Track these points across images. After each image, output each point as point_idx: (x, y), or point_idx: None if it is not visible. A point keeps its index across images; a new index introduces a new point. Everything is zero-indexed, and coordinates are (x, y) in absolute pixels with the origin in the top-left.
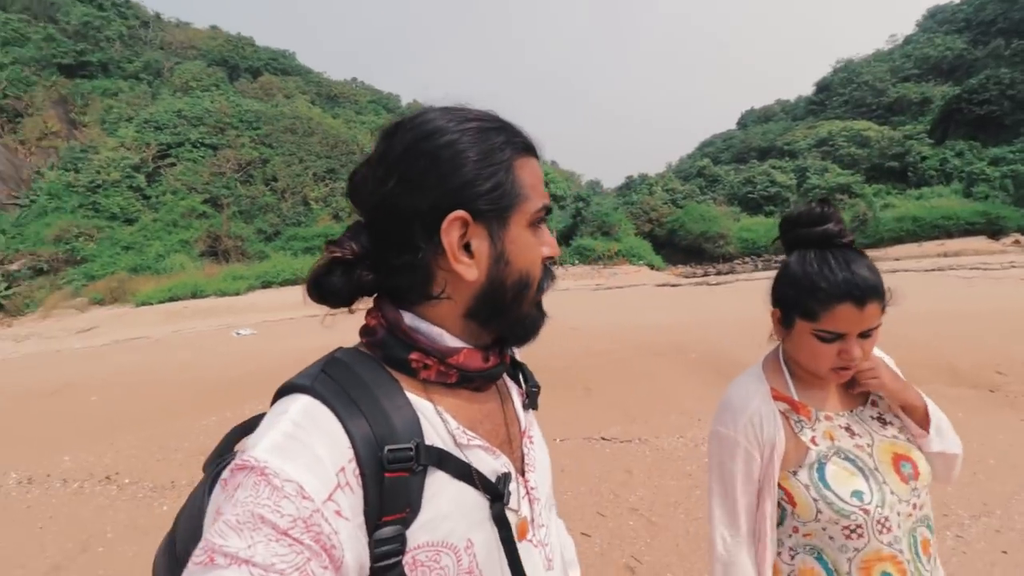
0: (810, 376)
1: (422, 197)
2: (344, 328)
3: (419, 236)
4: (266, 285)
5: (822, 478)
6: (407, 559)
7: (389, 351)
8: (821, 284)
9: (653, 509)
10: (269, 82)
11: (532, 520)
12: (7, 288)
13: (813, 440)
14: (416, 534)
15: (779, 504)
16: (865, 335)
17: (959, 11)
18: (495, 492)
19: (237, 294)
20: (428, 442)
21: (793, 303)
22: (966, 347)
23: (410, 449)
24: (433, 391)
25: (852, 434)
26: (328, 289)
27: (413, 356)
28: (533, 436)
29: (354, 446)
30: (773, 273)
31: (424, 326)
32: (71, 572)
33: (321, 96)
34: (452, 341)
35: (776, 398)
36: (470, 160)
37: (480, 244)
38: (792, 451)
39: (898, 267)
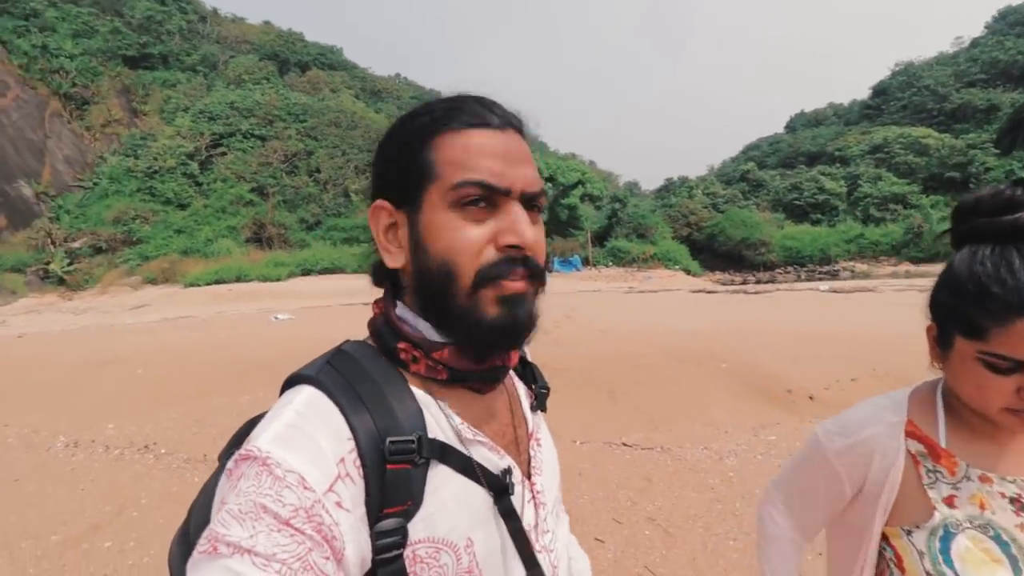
0: (978, 420)
1: (368, 190)
2: None
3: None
4: (306, 272)
5: (945, 551)
6: (407, 553)
7: (383, 341)
8: (993, 289)
9: (671, 520)
10: (316, 76)
11: (536, 525)
12: (69, 264)
13: (949, 501)
14: (417, 528)
15: (887, 560)
16: None
17: None
18: (499, 486)
19: (278, 280)
20: (431, 435)
21: (953, 316)
22: None
23: (412, 441)
24: (436, 387)
25: (1021, 509)
26: (374, 275)
27: (401, 346)
28: (541, 439)
29: (355, 437)
30: (817, 284)
31: (411, 316)
32: (107, 533)
33: (365, 91)
34: (435, 335)
35: (911, 435)
36: (389, 148)
37: (402, 231)
38: (910, 505)
39: None
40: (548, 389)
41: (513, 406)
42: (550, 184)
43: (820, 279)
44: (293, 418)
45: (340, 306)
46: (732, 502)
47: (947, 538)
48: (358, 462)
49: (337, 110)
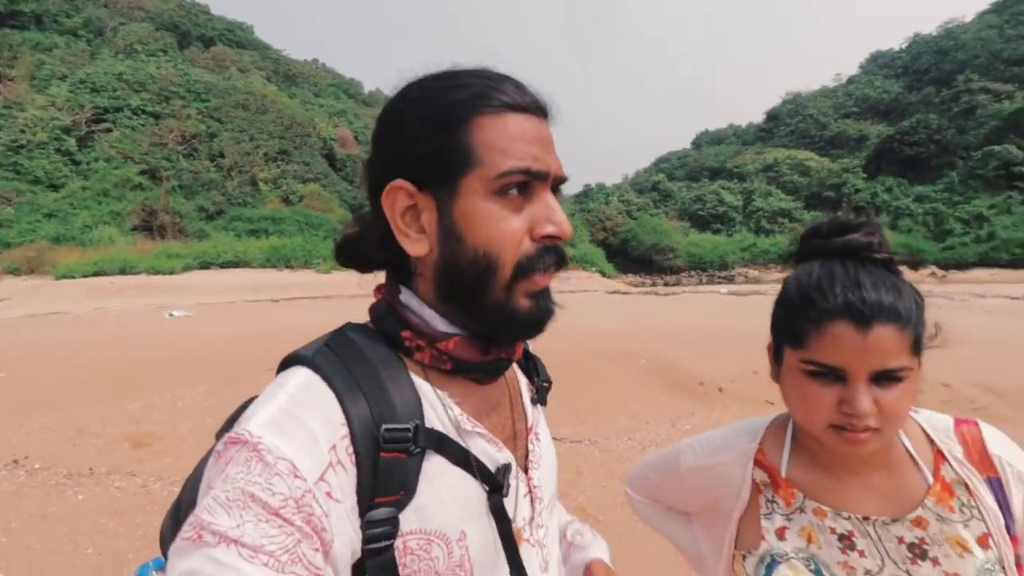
0: (822, 449)
1: (376, 166)
2: (299, 314)
3: (379, 207)
4: (205, 266)
5: None
6: (398, 543)
7: (386, 327)
8: (812, 295)
9: (601, 508)
10: (222, 53)
11: (531, 519)
12: None
13: (780, 532)
14: (409, 518)
15: None
16: (883, 379)
17: (898, 58)
18: (494, 483)
19: (172, 273)
20: (428, 425)
21: (781, 327)
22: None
23: (408, 430)
24: (436, 375)
25: (848, 547)
26: (344, 254)
27: (405, 334)
28: (540, 433)
29: (349, 423)
30: (717, 287)
31: (416, 304)
32: None
33: (278, 74)
34: (443, 326)
35: (759, 463)
36: (413, 122)
37: (428, 217)
38: (749, 531)
39: None
40: (550, 383)
41: (513, 399)
42: None
43: (719, 283)
44: (286, 402)
45: (245, 303)
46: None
47: (771, 568)
48: (351, 449)
49: (246, 91)
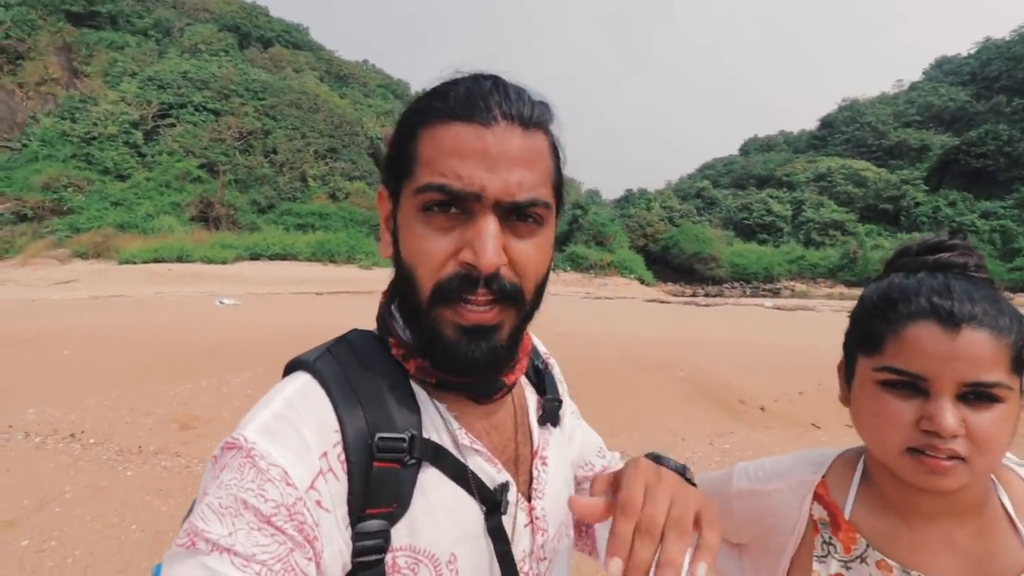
0: (897, 493)
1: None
2: (340, 308)
3: None
4: (255, 257)
5: None
6: (388, 559)
7: (381, 333)
8: (894, 295)
9: None
10: (279, 54)
11: (532, 552)
12: None
13: None
14: (401, 533)
15: None
16: (975, 397)
17: (965, 64)
18: (491, 501)
19: (224, 263)
20: (426, 435)
21: (856, 335)
22: None
23: (403, 439)
24: (430, 387)
25: None
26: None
27: (390, 340)
28: (548, 458)
29: (343, 430)
30: (761, 300)
31: (399, 314)
32: (24, 529)
33: (330, 75)
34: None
35: (819, 498)
36: (393, 133)
37: (391, 223)
38: (796, 572)
39: None
40: (560, 401)
41: (519, 419)
42: None
43: (764, 296)
44: (282, 407)
45: (290, 294)
46: None
47: None
48: (343, 456)
49: (299, 91)
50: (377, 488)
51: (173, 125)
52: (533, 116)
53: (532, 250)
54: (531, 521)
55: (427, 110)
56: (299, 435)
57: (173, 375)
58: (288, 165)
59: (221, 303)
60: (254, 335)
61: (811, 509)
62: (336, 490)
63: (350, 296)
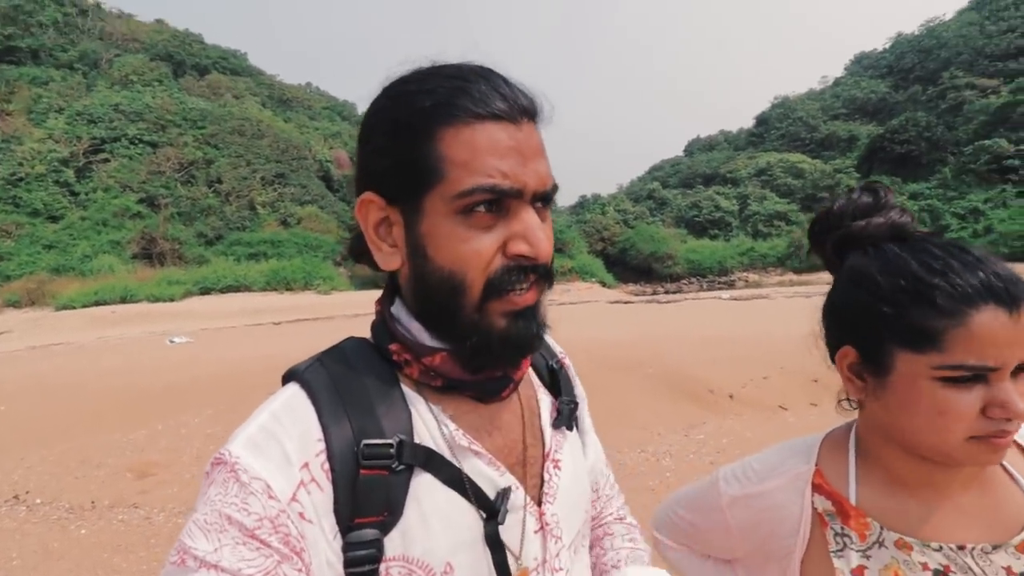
0: (900, 467)
1: (355, 177)
2: (300, 336)
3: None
4: (205, 291)
5: None
6: (381, 569)
7: (378, 339)
8: (937, 281)
9: None
10: (217, 81)
11: (545, 561)
12: None
13: (857, 573)
14: (394, 542)
15: None
16: (1020, 371)
17: (882, 58)
18: (490, 508)
19: (172, 300)
20: (417, 440)
21: (888, 326)
22: None
23: (390, 445)
24: (431, 392)
25: None
26: (355, 251)
27: (392, 347)
28: (561, 461)
29: (327, 439)
30: (719, 293)
31: (405, 316)
32: None
33: (273, 99)
34: (430, 340)
35: (819, 489)
36: (376, 132)
37: (398, 231)
38: (813, 574)
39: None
40: (576, 403)
41: (528, 420)
42: None
43: (720, 288)
44: (267, 419)
45: (246, 327)
46: None
47: None
48: (326, 465)
49: (241, 117)
50: (364, 497)
51: (107, 160)
52: (537, 107)
53: (549, 232)
54: (542, 527)
55: (446, 110)
56: (280, 448)
57: (124, 421)
58: (234, 194)
59: (172, 342)
60: (211, 371)
61: (813, 502)
62: (320, 500)
63: (310, 324)
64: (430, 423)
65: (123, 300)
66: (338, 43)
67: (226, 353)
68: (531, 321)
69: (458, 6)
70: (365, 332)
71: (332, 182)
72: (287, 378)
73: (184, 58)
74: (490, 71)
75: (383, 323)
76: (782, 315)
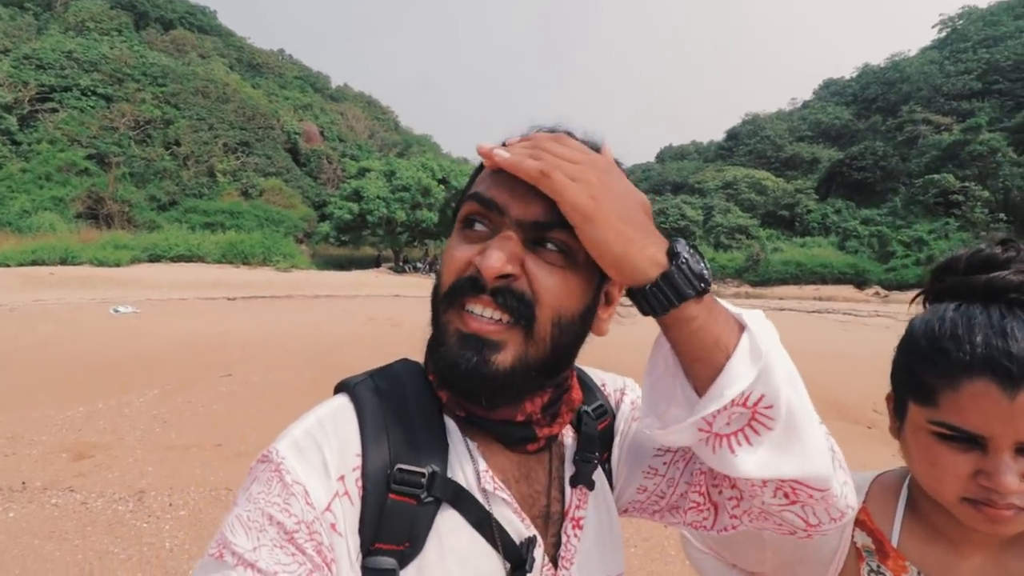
0: (944, 520)
1: None
2: (258, 314)
3: None
4: (155, 259)
5: None
6: None
7: (425, 362)
8: (946, 344)
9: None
10: (182, 37)
11: None
12: None
13: None
14: (409, 575)
15: None
16: None
17: (848, 86)
18: (516, 557)
19: (118, 265)
20: (450, 475)
21: (905, 378)
22: (847, 385)
23: (422, 474)
24: (468, 427)
25: None
26: None
27: (431, 372)
28: (584, 520)
29: (364, 456)
30: None
31: None
32: None
33: (242, 63)
34: None
35: (862, 525)
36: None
37: None
38: None
39: (784, 306)
40: (594, 462)
41: (556, 471)
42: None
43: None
44: (313, 425)
45: (198, 300)
46: None
47: None
48: (360, 482)
49: (206, 78)
50: (388, 522)
51: (55, 110)
52: None
53: (554, 279)
54: None
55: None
56: (321, 455)
57: (62, 397)
58: (193, 158)
59: (116, 311)
60: (159, 347)
61: (853, 536)
62: (350, 515)
63: (267, 301)
64: (464, 460)
65: (63, 262)
66: (314, 12)
67: (176, 327)
68: (475, 354)
69: None
70: (325, 313)
71: (299, 155)
72: (338, 388)
73: (148, 9)
74: (556, 129)
75: (429, 346)
76: None
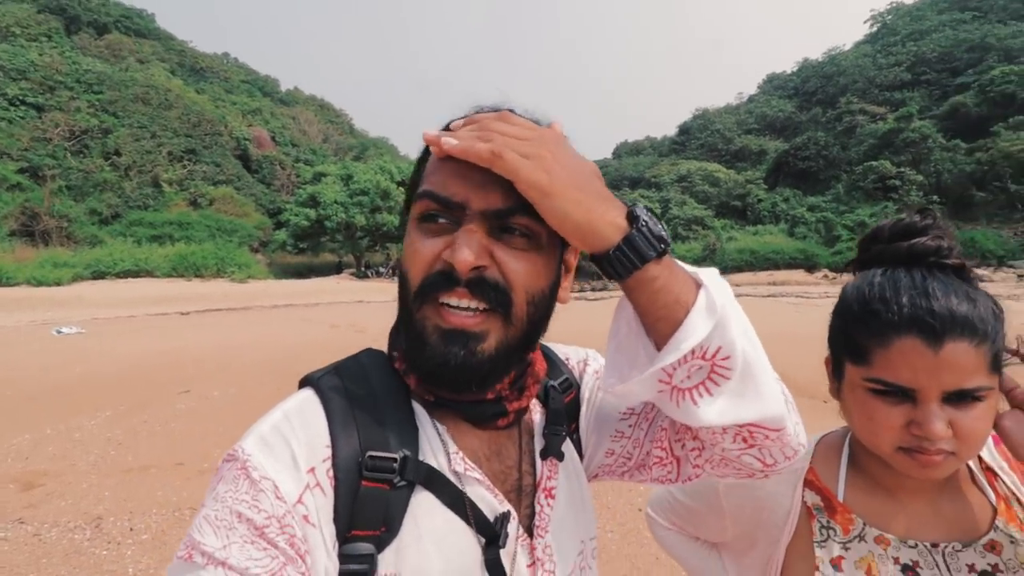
0: (883, 472)
1: None
2: (214, 328)
3: None
4: (99, 276)
5: None
6: None
7: (390, 349)
8: (876, 306)
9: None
10: (118, 42)
11: None
12: None
13: (836, 562)
14: (388, 560)
15: None
16: (959, 400)
17: (790, 80)
18: (490, 533)
19: (58, 284)
20: (421, 458)
21: (841, 340)
22: (801, 364)
23: (393, 459)
24: (436, 409)
25: None
26: None
27: (395, 353)
28: (556, 491)
29: (334, 446)
30: None
31: None
32: None
33: (184, 67)
34: None
35: (810, 485)
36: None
37: None
38: (798, 561)
39: (740, 292)
40: (564, 434)
41: (526, 445)
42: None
43: None
44: (280, 420)
45: (149, 316)
46: (604, 496)
47: None
48: (331, 472)
49: (146, 84)
50: (363, 509)
51: None
52: None
53: (522, 263)
54: (533, 560)
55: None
56: (289, 449)
57: (4, 424)
58: (136, 168)
59: (59, 332)
60: (109, 367)
61: (804, 496)
62: (323, 505)
63: (223, 314)
64: (435, 442)
65: None
66: (260, 14)
67: (125, 346)
68: (460, 348)
69: None
70: (286, 323)
71: (251, 162)
72: (302, 383)
73: (79, 13)
74: (500, 108)
75: (395, 328)
76: None
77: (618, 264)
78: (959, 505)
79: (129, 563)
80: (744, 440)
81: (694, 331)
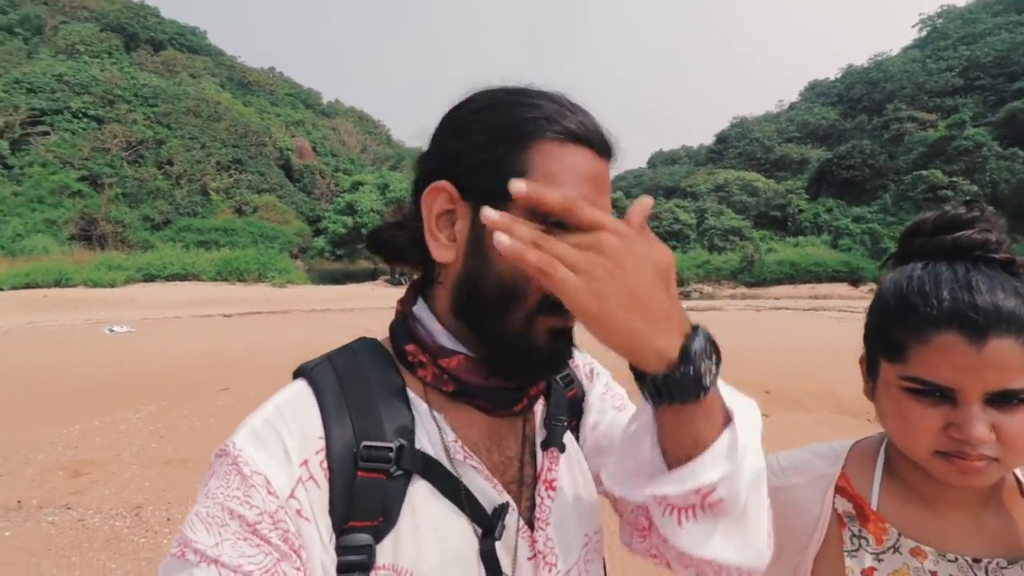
0: (921, 480)
1: (427, 163)
2: (255, 330)
3: (419, 204)
4: (149, 278)
5: None
6: None
7: (396, 340)
8: (914, 300)
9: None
10: (173, 58)
11: None
12: None
13: (867, 574)
14: (386, 550)
15: None
16: (1003, 401)
17: (833, 87)
18: (486, 523)
19: (112, 286)
20: (418, 447)
21: (876, 337)
22: (846, 379)
23: (389, 449)
24: (436, 397)
25: None
26: (375, 241)
27: (409, 348)
28: (556, 482)
29: (328, 438)
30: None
31: (427, 317)
32: None
33: (232, 81)
34: (448, 342)
35: (842, 491)
36: (476, 129)
37: (462, 225)
38: (823, 570)
39: (779, 305)
40: (566, 423)
41: (528, 437)
42: None
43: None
44: (271, 413)
45: (194, 318)
46: None
47: None
48: (325, 464)
49: (197, 97)
50: (359, 500)
51: (47, 133)
52: (613, 152)
53: None
54: (535, 553)
55: (548, 124)
56: (281, 442)
57: (57, 415)
58: (186, 177)
59: (111, 331)
60: (154, 365)
61: (834, 503)
62: (317, 498)
63: (263, 317)
64: (432, 431)
65: (57, 284)
66: (304, 30)
67: (171, 345)
68: (567, 342)
69: (427, 2)
70: (322, 327)
71: (292, 171)
72: (295, 374)
73: (138, 31)
74: (585, 109)
75: (403, 322)
76: (732, 327)
77: (652, 390)
78: (1005, 519)
79: (165, 552)
80: (715, 572)
81: (703, 472)
